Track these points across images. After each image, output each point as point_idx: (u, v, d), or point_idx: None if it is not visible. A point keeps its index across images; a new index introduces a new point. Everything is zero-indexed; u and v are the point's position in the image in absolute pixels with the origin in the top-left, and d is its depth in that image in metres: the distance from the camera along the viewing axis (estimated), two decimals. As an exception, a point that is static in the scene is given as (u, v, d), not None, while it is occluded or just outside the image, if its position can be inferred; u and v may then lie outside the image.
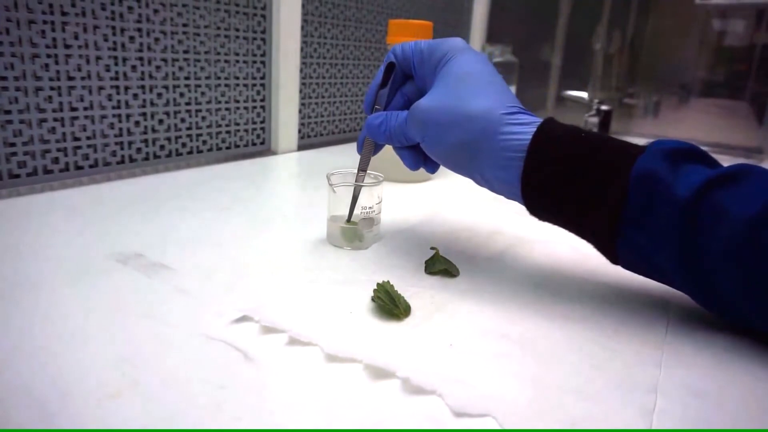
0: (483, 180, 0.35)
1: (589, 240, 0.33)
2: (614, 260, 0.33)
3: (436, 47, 0.36)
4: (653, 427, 0.23)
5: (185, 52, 0.66)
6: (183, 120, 0.67)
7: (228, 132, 0.74)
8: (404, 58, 0.38)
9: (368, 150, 0.41)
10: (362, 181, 0.41)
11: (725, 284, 0.28)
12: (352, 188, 0.41)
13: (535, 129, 0.32)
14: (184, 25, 0.65)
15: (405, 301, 0.32)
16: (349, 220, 0.41)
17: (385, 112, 0.39)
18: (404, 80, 0.40)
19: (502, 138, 0.32)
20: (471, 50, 0.36)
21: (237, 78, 0.73)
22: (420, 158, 0.39)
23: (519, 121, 0.33)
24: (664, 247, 0.29)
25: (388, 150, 0.42)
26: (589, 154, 0.31)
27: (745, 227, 0.27)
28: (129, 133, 0.62)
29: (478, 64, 0.35)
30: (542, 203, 0.33)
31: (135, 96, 0.61)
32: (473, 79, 0.34)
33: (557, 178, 0.31)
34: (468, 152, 0.34)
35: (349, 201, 0.41)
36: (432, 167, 0.40)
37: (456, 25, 1.20)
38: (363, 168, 0.41)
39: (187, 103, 0.67)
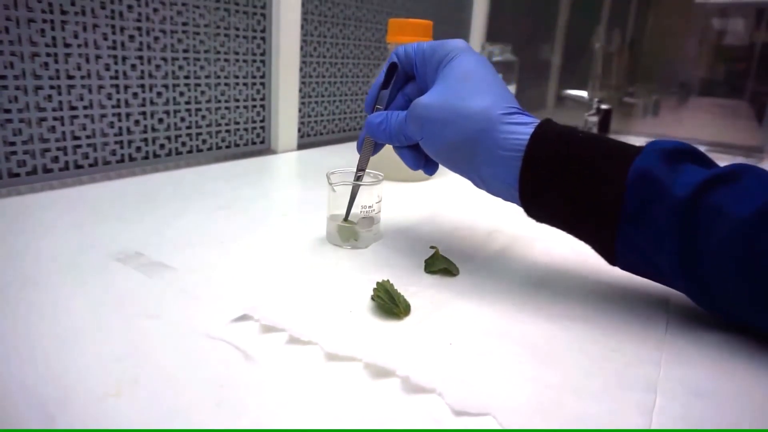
0: (480, 181, 0.35)
1: (586, 241, 0.33)
2: (612, 261, 0.33)
3: (438, 47, 0.36)
4: (653, 426, 0.23)
5: (185, 51, 0.65)
6: (183, 119, 0.67)
7: (228, 131, 0.74)
8: (407, 59, 0.39)
9: (368, 149, 0.41)
10: (361, 180, 0.41)
11: (724, 284, 0.28)
12: (351, 187, 0.41)
13: (533, 129, 0.32)
14: (184, 24, 0.65)
15: (405, 299, 0.32)
16: (346, 219, 0.41)
17: (385, 112, 0.39)
18: (406, 81, 0.40)
19: (500, 137, 0.32)
20: (472, 51, 0.36)
21: (237, 77, 0.73)
22: (420, 158, 0.39)
23: (517, 121, 0.33)
24: (662, 246, 0.29)
25: (388, 149, 0.42)
26: (586, 154, 0.31)
27: (743, 227, 0.27)
28: (129, 132, 0.62)
29: (479, 65, 0.35)
30: (540, 203, 0.33)
31: (135, 95, 0.61)
32: (474, 78, 0.34)
33: (555, 178, 0.32)
34: (466, 151, 0.34)
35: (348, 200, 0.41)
36: (431, 168, 0.40)
37: (456, 24, 1.20)
38: (362, 167, 0.41)
39: (187, 102, 0.67)
